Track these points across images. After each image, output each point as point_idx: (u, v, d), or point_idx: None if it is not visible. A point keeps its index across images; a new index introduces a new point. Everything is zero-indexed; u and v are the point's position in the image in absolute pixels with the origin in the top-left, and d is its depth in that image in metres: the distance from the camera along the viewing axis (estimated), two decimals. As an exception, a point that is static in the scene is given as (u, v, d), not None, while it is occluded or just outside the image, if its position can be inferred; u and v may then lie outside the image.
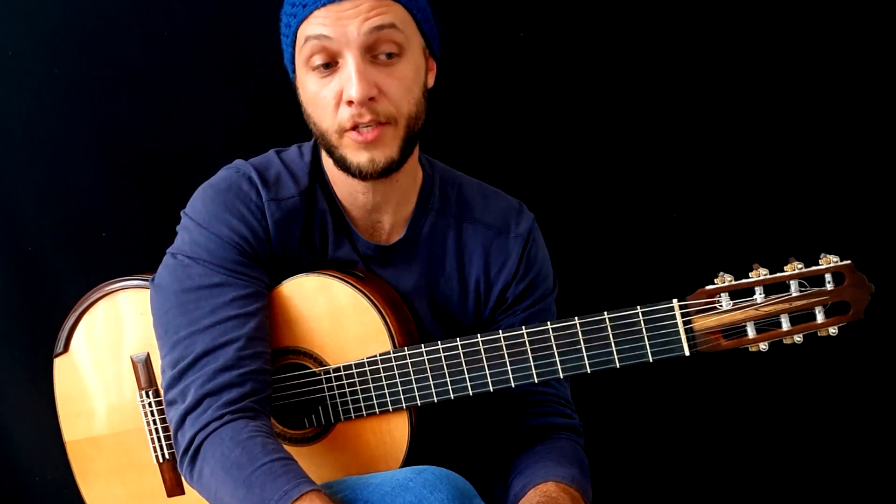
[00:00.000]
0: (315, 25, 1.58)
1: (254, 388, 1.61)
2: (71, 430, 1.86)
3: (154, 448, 1.81)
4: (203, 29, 2.21)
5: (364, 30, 1.57)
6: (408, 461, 1.68)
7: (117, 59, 2.21)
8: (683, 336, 1.57)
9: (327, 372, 1.69)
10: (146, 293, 1.76)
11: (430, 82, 1.72)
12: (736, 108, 2.23)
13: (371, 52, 1.59)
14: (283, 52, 1.70)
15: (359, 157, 1.62)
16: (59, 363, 1.86)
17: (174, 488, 1.81)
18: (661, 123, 2.25)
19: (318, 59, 1.60)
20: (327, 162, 1.74)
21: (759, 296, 1.56)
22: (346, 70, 1.58)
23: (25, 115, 2.22)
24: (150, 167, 2.25)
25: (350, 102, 1.58)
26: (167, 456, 1.81)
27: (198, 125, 2.24)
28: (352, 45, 1.57)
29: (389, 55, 1.60)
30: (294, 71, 1.68)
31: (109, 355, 1.83)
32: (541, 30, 2.23)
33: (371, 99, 1.58)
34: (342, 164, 1.64)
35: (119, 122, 2.23)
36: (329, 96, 1.60)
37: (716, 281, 1.58)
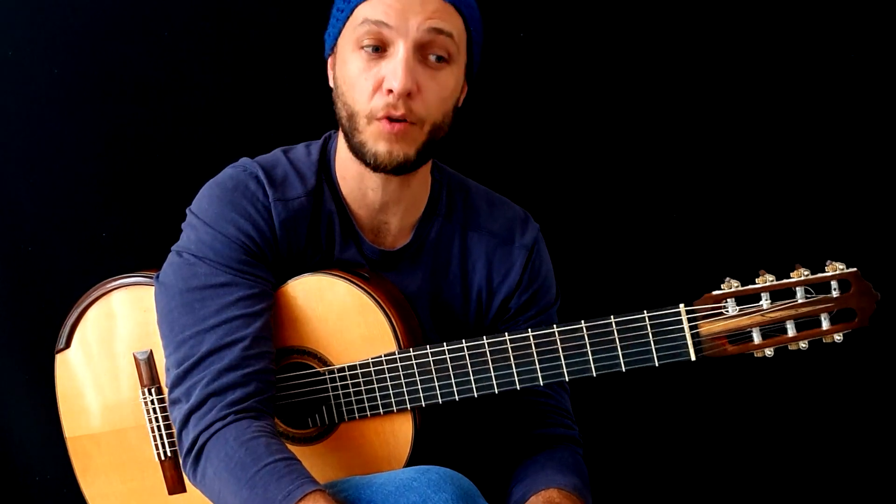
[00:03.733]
0: (377, 10, 1.59)
1: (258, 389, 1.61)
2: (72, 426, 1.85)
3: (156, 445, 1.80)
4: (203, 29, 2.22)
5: (424, 27, 1.58)
6: (411, 462, 1.68)
7: (117, 59, 2.21)
8: (690, 341, 1.58)
9: (332, 372, 1.68)
10: (150, 290, 1.75)
11: (459, 102, 1.73)
12: (742, 114, 2.25)
13: (422, 52, 1.60)
14: (330, 25, 1.70)
15: (377, 147, 1.62)
16: (60, 359, 1.86)
17: (175, 486, 1.81)
18: (665, 127, 2.26)
19: (368, 41, 1.60)
20: (340, 158, 1.74)
21: (765, 302, 1.57)
22: (394, 60, 1.59)
23: (25, 115, 2.22)
24: (150, 167, 2.25)
25: (389, 92, 1.58)
26: (169, 453, 1.80)
27: (198, 125, 2.25)
28: (408, 37, 1.59)
29: (438, 59, 1.61)
30: (334, 46, 1.69)
31: (112, 352, 1.83)
32: (541, 30, 2.24)
33: (408, 95, 1.59)
34: (359, 150, 1.64)
35: (119, 122, 2.23)
36: (370, 81, 1.60)
37: (722, 286, 1.58)
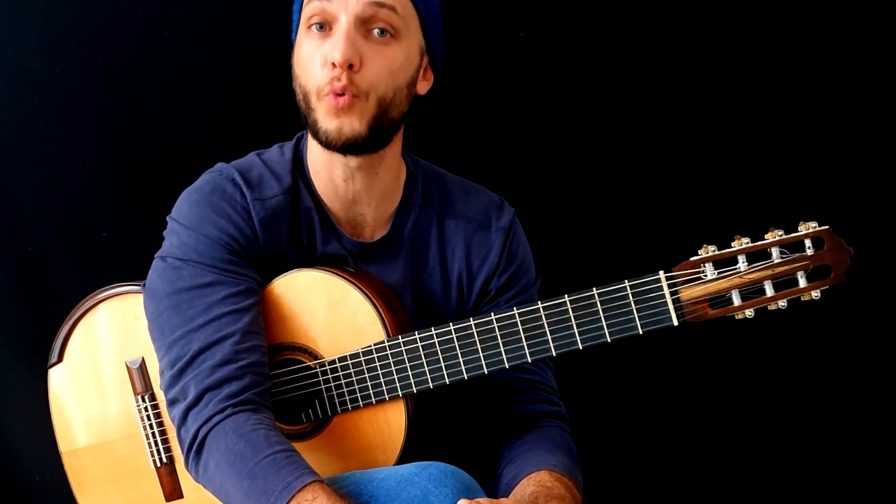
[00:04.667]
0: None
1: (253, 381, 1.62)
2: (66, 440, 1.86)
3: (152, 452, 1.81)
4: (203, 29, 2.23)
5: (363, 1, 1.61)
6: (405, 451, 1.69)
7: (117, 59, 2.22)
8: (671, 307, 1.59)
9: (322, 365, 1.70)
10: (138, 298, 1.77)
11: (422, 90, 1.76)
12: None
13: (365, 26, 1.63)
14: (293, 24, 1.73)
15: (328, 124, 1.64)
16: (53, 374, 1.86)
17: (172, 492, 1.81)
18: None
19: (314, 19, 1.64)
20: (311, 153, 1.77)
21: (742, 264, 1.59)
22: (336, 34, 1.62)
23: (25, 115, 2.23)
24: (150, 167, 2.26)
25: (333, 65, 1.61)
26: (165, 460, 1.81)
27: (197, 125, 2.26)
28: (348, 11, 1.62)
29: (382, 33, 1.64)
30: (296, 40, 1.71)
31: (104, 362, 1.84)
32: (541, 30, 2.26)
33: (350, 67, 1.61)
34: (314, 129, 1.66)
35: (119, 123, 2.25)
36: (318, 58, 1.63)
37: (699, 252, 1.60)
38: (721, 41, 2.26)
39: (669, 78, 2.28)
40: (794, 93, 2.26)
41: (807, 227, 1.59)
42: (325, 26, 1.64)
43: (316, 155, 1.75)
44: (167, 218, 1.75)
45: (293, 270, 1.72)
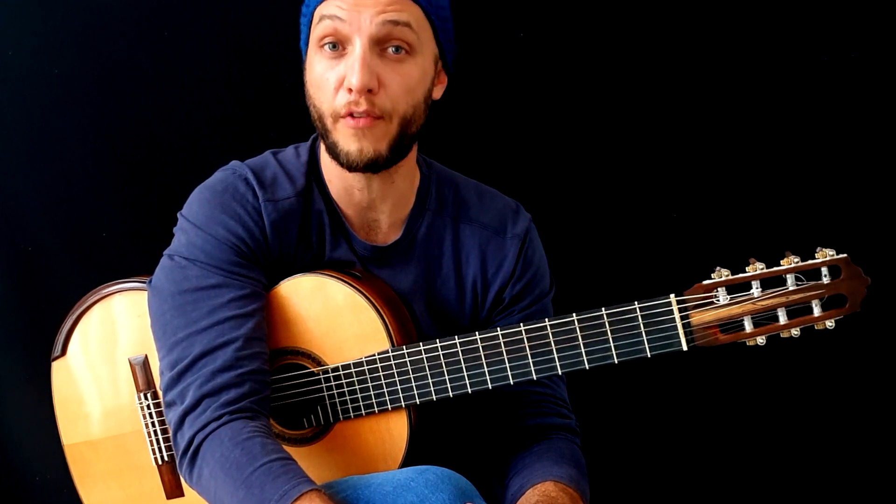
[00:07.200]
0: (332, 6, 1.59)
1: (252, 389, 1.61)
2: (69, 433, 1.86)
3: (153, 450, 1.81)
4: (203, 29, 2.22)
5: (377, 21, 1.58)
6: (407, 460, 1.68)
7: (117, 59, 2.22)
8: (681, 331, 1.57)
9: (326, 372, 1.69)
10: (143, 295, 1.76)
11: (437, 94, 1.73)
12: (732, 105, 2.24)
13: (380, 45, 1.60)
14: (300, 32, 1.70)
15: (349, 145, 1.62)
16: (56, 366, 1.86)
17: (174, 490, 1.81)
18: (659, 121, 2.26)
19: (327, 40, 1.61)
20: (324, 159, 1.75)
21: (755, 290, 1.56)
22: (351, 56, 1.59)
23: (25, 115, 2.22)
24: (150, 167, 2.26)
25: (350, 90, 1.58)
26: (166, 458, 1.80)
27: (198, 125, 2.25)
28: (362, 32, 1.58)
29: (398, 50, 1.61)
30: (307, 53, 1.69)
31: (107, 358, 1.83)
32: (541, 30, 2.24)
33: (370, 91, 1.58)
34: (333, 150, 1.64)
35: (119, 123, 2.24)
36: (332, 79, 1.61)
37: (713, 276, 1.58)
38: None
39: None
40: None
41: (824, 255, 1.56)
42: (337, 46, 1.61)
43: (329, 164, 1.73)
44: (178, 214, 1.73)
45: (299, 274, 1.71)
